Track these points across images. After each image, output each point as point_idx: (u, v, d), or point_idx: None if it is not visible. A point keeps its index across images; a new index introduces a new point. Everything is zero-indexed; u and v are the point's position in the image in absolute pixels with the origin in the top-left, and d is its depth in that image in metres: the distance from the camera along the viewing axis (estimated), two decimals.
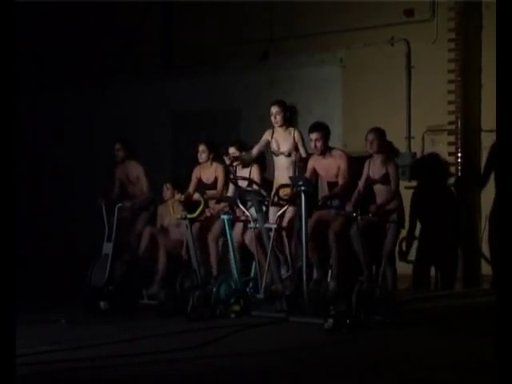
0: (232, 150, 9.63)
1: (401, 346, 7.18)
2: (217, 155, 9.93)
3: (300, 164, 9.22)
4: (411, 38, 10.84)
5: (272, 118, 9.42)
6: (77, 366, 6.45)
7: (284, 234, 9.15)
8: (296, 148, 9.30)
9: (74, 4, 13.34)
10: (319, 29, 11.44)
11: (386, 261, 8.60)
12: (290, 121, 9.48)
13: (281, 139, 9.39)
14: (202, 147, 9.97)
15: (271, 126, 9.47)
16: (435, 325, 8.21)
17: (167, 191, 10.20)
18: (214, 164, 9.92)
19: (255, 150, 9.53)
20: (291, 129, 9.41)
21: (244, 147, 9.66)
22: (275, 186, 9.21)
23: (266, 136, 9.51)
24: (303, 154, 9.31)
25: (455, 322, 8.38)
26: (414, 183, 10.66)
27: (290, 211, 9.05)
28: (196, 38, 12.65)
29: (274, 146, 9.42)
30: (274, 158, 9.49)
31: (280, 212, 8.96)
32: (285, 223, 9.08)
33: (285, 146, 9.35)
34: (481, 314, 8.50)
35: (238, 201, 9.06)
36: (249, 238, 9.29)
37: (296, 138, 9.32)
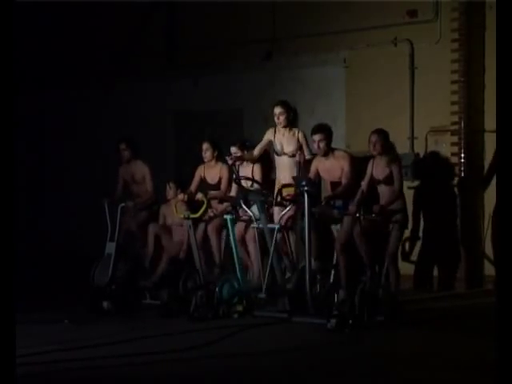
0: (234, 150, 9.59)
1: (403, 347, 7.19)
2: (220, 154, 9.90)
3: (303, 166, 9.20)
4: (414, 39, 10.82)
5: (275, 119, 9.40)
6: (79, 366, 6.47)
7: (284, 232, 9.13)
8: (300, 149, 9.30)
9: (77, 4, 13.34)
10: (322, 29, 11.42)
11: (389, 261, 8.56)
12: (293, 121, 9.46)
13: (285, 140, 9.37)
14: (205, 145, 9.84)
15: (273, 126, 9.46)
16: (437, 325, 8.21)
17: (170, 191, 10.14)
18: (219, 164, 9.81)
19: (257, 150, 9.52)
20: (295, 130, 9.40)
21: (246, 147, 9.62)
22: (277, 186, 9.20)
23: (268, 136, 9.51)
24: (307, 156, 9.29)
25: (457, 323, 8.38)
26: (416, 183, 10.65)
27: (290, 209, 9.02)
28: (199, 38, 12.64)
29: (277, 146, 9.41)
30: (276, 157, 9.48)
31: (283, 213, 8.95)
32: (283, 221, 9.04)
33: (289, 147, 9.33)
34: (483, 315, 8.48)
35: (242, 201, 9.06)
36: (251, 234, 9.26)
37: (300, 139, 9.32)
